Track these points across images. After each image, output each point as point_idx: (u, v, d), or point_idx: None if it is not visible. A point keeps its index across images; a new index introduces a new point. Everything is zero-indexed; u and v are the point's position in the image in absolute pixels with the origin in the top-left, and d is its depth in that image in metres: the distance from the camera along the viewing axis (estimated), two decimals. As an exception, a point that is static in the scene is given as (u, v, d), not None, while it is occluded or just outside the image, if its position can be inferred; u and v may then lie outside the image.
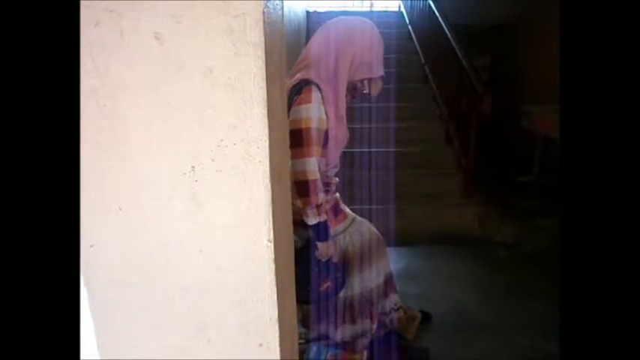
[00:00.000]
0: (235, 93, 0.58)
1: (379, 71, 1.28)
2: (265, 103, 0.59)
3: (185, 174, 0.62)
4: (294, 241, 1.25)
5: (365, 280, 1.38)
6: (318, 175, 1.17)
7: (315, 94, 1.16)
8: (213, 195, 0.63)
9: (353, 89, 1.30)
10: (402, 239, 2.57)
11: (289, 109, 1.16)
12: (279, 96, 0.70)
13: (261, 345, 0.72)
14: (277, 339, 0.72)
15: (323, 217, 1.23)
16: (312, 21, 4.94)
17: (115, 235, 0.66)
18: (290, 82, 1.21)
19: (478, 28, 4.40)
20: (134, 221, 0.65)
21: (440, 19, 3.60)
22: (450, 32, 3.41)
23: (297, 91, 1.16)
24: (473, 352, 1.70)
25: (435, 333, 1.80)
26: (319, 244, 1.25)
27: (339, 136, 1.28)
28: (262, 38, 0.56)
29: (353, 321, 1.39)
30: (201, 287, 0.69)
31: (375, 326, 1.43)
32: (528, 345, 1.73)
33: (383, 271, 1.43)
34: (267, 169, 0.61)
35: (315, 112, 1.15)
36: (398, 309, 1.54)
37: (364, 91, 1.30)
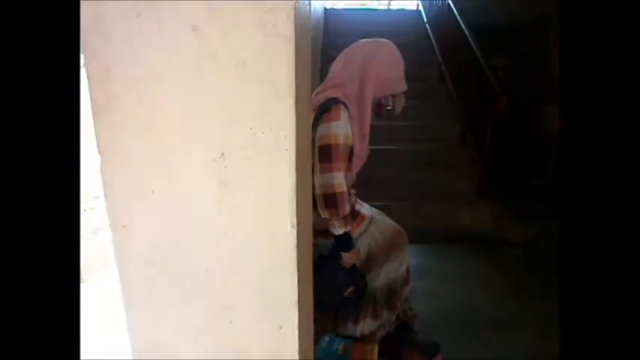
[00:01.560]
0: (266, 84, 0.61)
1: (402, 87, 1.35)
2: (294, 94, 0.61)
3: (215, 160, 0.65)
4: (319, 248, 1.30)
5: (388, 274, 1.42)
6: (345, 188, 1.24)
7: (343, 112, 1.22)
8: (242, 181, 0.66)
9: (378, 106, 1.37)
10: (414, 237, 2.58)
11: (316, 126, 1.22)
12: (305, 87, 0.72)
13: (281, 327, 0.75)
14: (297, 323, 0.75)
15: (348, 228, 1.29)
16: (330, 18, 4.96)
17: (146, 216, 0.69)
18: (317, 100, 1.27)
19: (496, 27, 4.37)
20: (165, 204, 0.68)
21: (458, 18, 3.59)
22: (467, 31, 3.40)
23: (326, 109, 1.22)
24: (482, 348, 1.71)
25: (444, 329, 1.82)
26: (344, 254, 1.31)
27: (360, 152, 1.34)
28: (293, 32, 0.59)
29: (375, 316, 1.43)
30: (226, 269, 0.72)
31: (394, 317, 1.47)
32: (536, 343, 1.74)
33: (405, 262, 1.47)
34: (294, 156, 0.64)
35: (343, 129, 1.22)
36: (405, 301, 1.57)
37: (388, 108, 1.37)
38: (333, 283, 1.29)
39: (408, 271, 1.52)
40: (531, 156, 4.22)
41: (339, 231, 1.27)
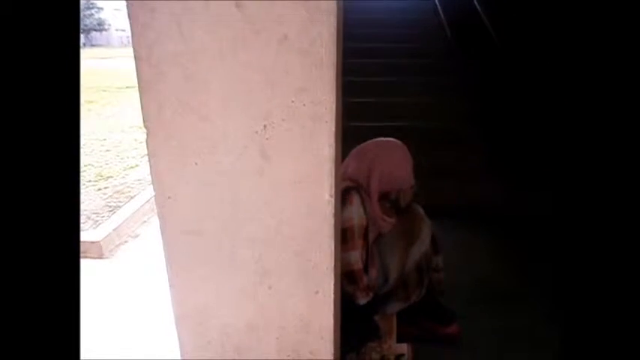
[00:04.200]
0: (307, 57, 0.63)
1: (408, 183, 1.50)
2: (334, 68, 0.64)
3: (257, 132, 0.68)
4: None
5: (414, 256, 1.49)
6: (361, 265, 1.38)
7: (355, 197, 1.37)
8: (282, 152, 0.69)
9: (384, 197, 1.49)
10: (425, 213, 2.61)
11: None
12: (340, 61, 0.74)
13: (317, 292, 0.79)
14: (332, 287, 0.79)
15: (370, 296, 1.41)
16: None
17: (190, 187, 0.73)
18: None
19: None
20: (208, 175, 0.71)
21: (469, -9, 3.53)
22: (478, 4, 3.35)
23: (343, 197, 1.35)
24: (494, 316, 1.77)
25: (458, 299, 1.87)
26: (382, 324, 1.45)
27: (380, 224, 1.47)
28: (334, 6, 0.61)
29: (407, 299, 1.50)
30: (266, 237, 0.75)
31: (424, 291, 1.53)
32: (547, 311, 1.79)
33: (427, 238, 1.52)
34: (333, 128, 0.67)
35: (355, 212, 1.36)
36: (439, 270, 1.64)
37: (391, 199, 1.51)
38: (360, 324, 1.39)
39: (434, 241, 1.59)
40: (542, 131, 4.19)
41: (362, 301, 1.39)
